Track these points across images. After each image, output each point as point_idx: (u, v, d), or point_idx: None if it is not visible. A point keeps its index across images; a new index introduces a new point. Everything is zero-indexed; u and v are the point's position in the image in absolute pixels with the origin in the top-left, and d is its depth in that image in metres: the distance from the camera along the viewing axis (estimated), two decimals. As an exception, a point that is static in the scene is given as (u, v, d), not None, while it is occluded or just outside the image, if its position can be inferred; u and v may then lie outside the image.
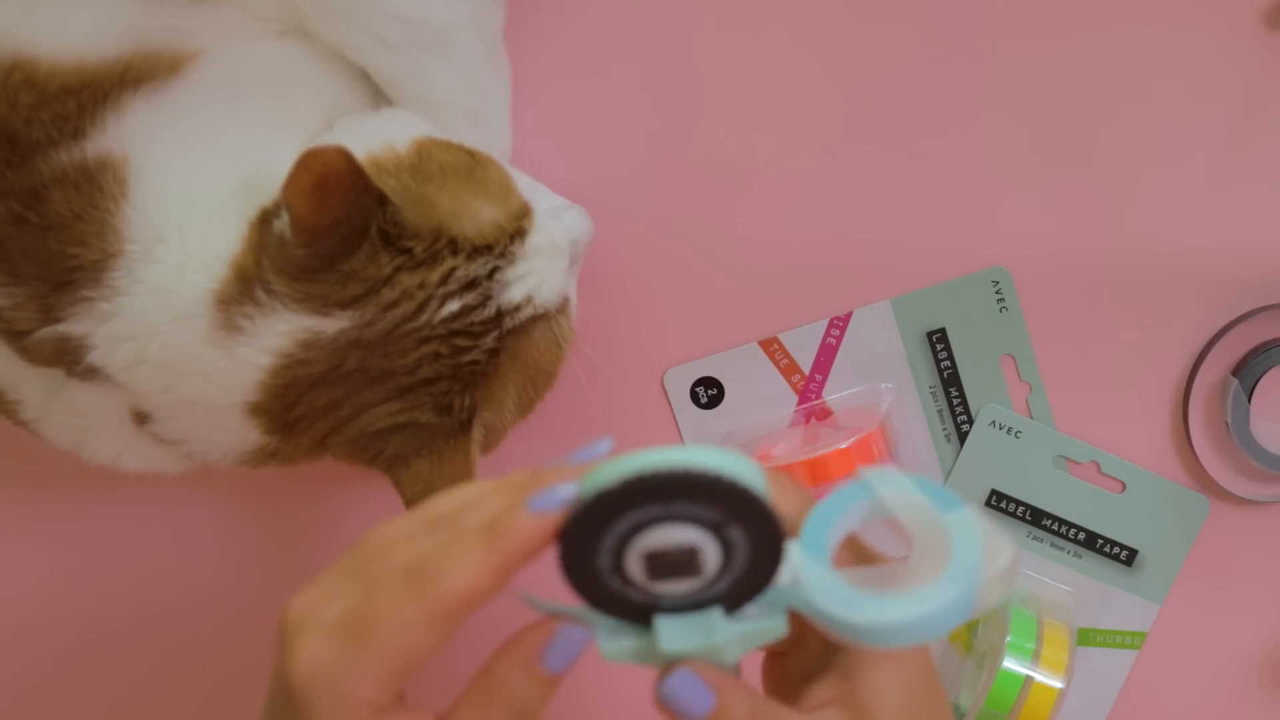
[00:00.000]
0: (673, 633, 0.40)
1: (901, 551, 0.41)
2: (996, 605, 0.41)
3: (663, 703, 0.40)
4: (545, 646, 0.40)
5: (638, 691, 0.42)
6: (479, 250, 0.52)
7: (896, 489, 0.41)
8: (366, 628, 0.38)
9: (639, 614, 0.40)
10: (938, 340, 0.65)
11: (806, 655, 0.43)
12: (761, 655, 0.46)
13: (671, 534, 0.38)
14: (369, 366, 0.51)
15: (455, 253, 0.51)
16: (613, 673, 0.43)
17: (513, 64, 0.61)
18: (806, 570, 0.39)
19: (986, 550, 0.39)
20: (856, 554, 0.42)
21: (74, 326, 0.51)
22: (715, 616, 0.40)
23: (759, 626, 0.40)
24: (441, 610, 0.38)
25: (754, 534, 0.38)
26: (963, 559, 0.39)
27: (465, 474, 0.53)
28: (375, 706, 0.38)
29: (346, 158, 0.48)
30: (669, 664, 0.40)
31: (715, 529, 0.38)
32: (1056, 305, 0.64)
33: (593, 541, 0.38)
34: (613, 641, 0.40)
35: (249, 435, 0.53)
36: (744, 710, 0.40)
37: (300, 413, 0.52)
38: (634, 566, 0.38)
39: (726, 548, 0.38)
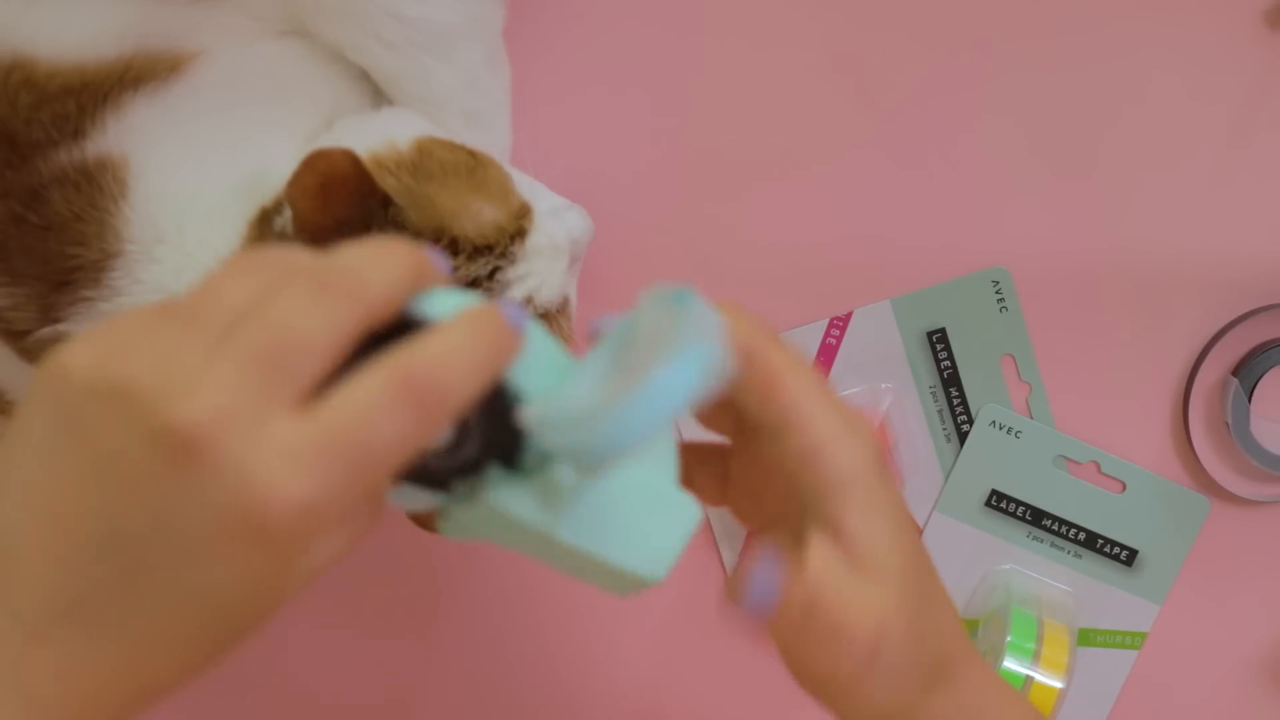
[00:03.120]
0: (503, 495, 0.39)
1: None
2: (719, 376, 0.38)
3: (749, 605, 0.41)
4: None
5: (635, 690, 0.42)
6: (480, 250, 0.52)
7: (647, 305, 0.40)
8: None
9: (439, 483, 0.39)
10: (938, 340, 0.65)
11: (776, 513, 0.44)
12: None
13: None
14: (369, 366, 0.51)
15: (456, 253, 0.51)
16: (613, 673, 0.43)
17: (514, 65, 0.61)
18: (544, 405, 0.38)
19: (700, 334, 0.37)
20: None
21: (74, 327, 0.51)
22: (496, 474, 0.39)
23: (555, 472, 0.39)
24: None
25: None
26: (680, 349, 0.36)
27: None
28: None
29: (352, 160, 0.48)
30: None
31: None
32: (1056, 305, 0.64)
33: None
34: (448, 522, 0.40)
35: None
36: (803, 588, 0.41)
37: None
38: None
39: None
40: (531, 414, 0.38)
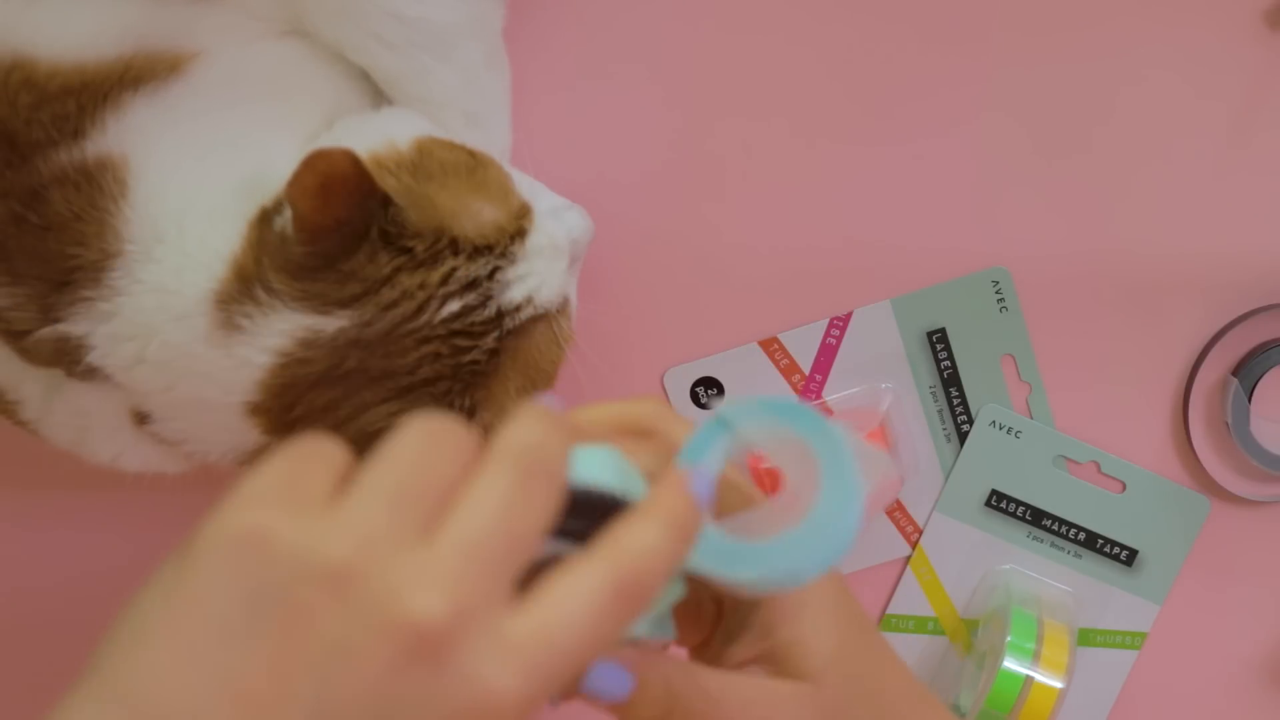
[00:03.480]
0: None
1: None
2: (876, 516, 0.40)
3: (588, 696, 0.40)
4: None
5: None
6: (480, 250, 0.52)
7: (756, 419, 0.40)
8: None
9: None
10: (938, 340, 0.65)
11: (728, 610, 0.43)
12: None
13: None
14: (369, 366, 0.51)
15: (456, 253, 0.51)
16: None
17: (514, 65, 0.61)
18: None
19: (858, 468, 0.38)
20: (734, 496, 0.42)
21: (74, 326, 0.51)
22: None
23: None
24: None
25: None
26: (835, 484, 0.38)
27: None
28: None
29: (353, 160, 0.48)
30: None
31: (578, 537, 0.36)
32: (1056, 305, 0.64)
33: None
34: None
35: (249, 435, 0.53)
36: (660, 682, 0.40)
37: (300, 412, 0.52)
38: None
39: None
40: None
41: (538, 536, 0.34)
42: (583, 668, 0.35)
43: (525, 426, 0.36)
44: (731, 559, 0.38)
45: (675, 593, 0.40)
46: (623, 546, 0.35)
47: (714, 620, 0.45)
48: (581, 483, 0.37)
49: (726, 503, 0.42)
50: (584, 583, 0.34)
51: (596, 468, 0.38)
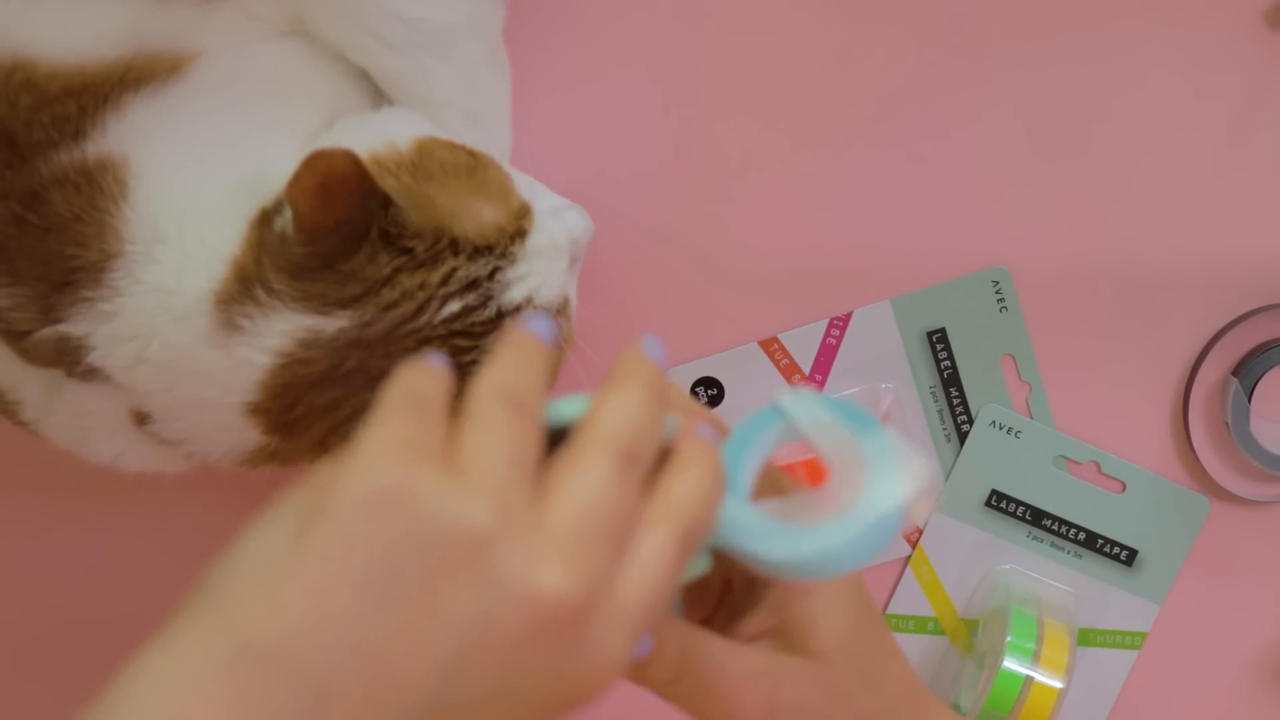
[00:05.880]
0: None
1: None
2: (917, 522, 0.41)
3: None
4: None
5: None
6: (480, 251, 0.52)
7: (810, 412, 0.40)
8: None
9: None
10: (938, 340, 0.65)
11: (737, 587, 0.44)
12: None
13: None
14: (369, 367, 0.51)
15: (456, 253, 0.51)
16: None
17: (514, 65, 0.61)
18: (723, 507, 0.39)
19: (903, 473, 0.39)
20: (774, 484, 0.42)
21: (74, 327, 0.51)
22: None
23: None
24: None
25: None
26: (879, 485, 0.38)
27: None
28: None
29: (353, 160, 0.48)
30: None
31: None
32: (1056, 305, 0.64)
33: None
34: None
35: (249, 435, 0.53)
36: (675, 645, 0.41)
37: (300, 413, 0.52)
38: None
39: None
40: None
41: (637, 511, 0.36)
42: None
43: (625, 406, 0.37)
44: (767, 538, 0.38)
45: (701, 566, 0.40)
46: (677, 497, 0.36)
47: (719, 597, 0.46)
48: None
49: (768, 488, 0.42)
50: (659, 537, 0.36)
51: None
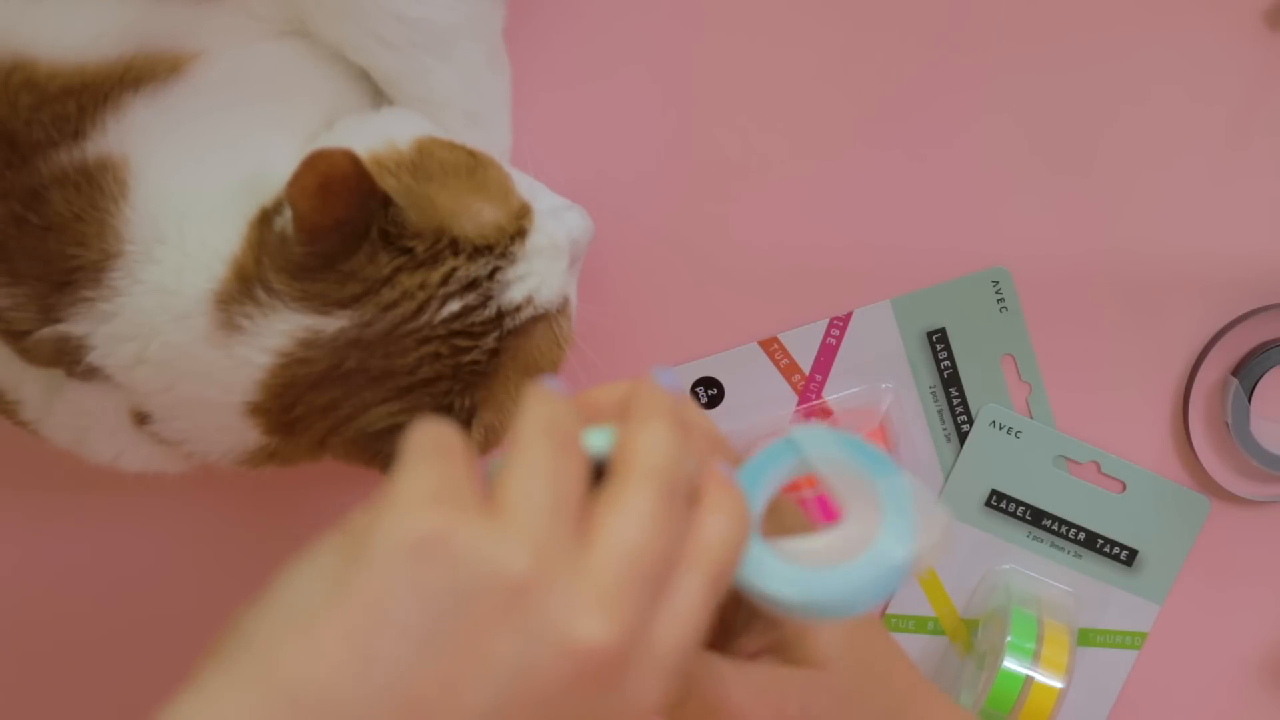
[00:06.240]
0: None
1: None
2: (927, 569, 0.41)
3: None
4: None
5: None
6: (480, 251, 0.52)
7: (825, 450, 0.40)
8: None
9: None
10: (938, 340, 0.65)
11: (727, 607, 0.43)
12: None
13: None
14: (369, 366, 0.51)
15: (456, 253, 0.51)
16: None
17: (514, 65, 0.61)
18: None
19: (919, 520, 0.39)
20: (780, 517, 0.42)
21: (74, 327, 0.51)
22: None
23: None
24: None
25: None
26: (893, 530, 0.38)
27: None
28: None
29: (353, 160, 0.48)
30: None
31: None
32: (1056, 305, 0.64)
33: None
34: None
35: (249, 435, 0.53)
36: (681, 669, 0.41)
37: (300, 413, 0.52)
38: None
39: None
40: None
41: (677, 552, 0.36)
42: None
43: (661, 442, 0.37)
44: (779, 579, 0.38)
45: None
46: (708, 540, 0.36)
47: (714, 617, 0.46)
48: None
49: (777, 524, 0.42)
50: (694, 583, 0.36)
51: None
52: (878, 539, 0.38)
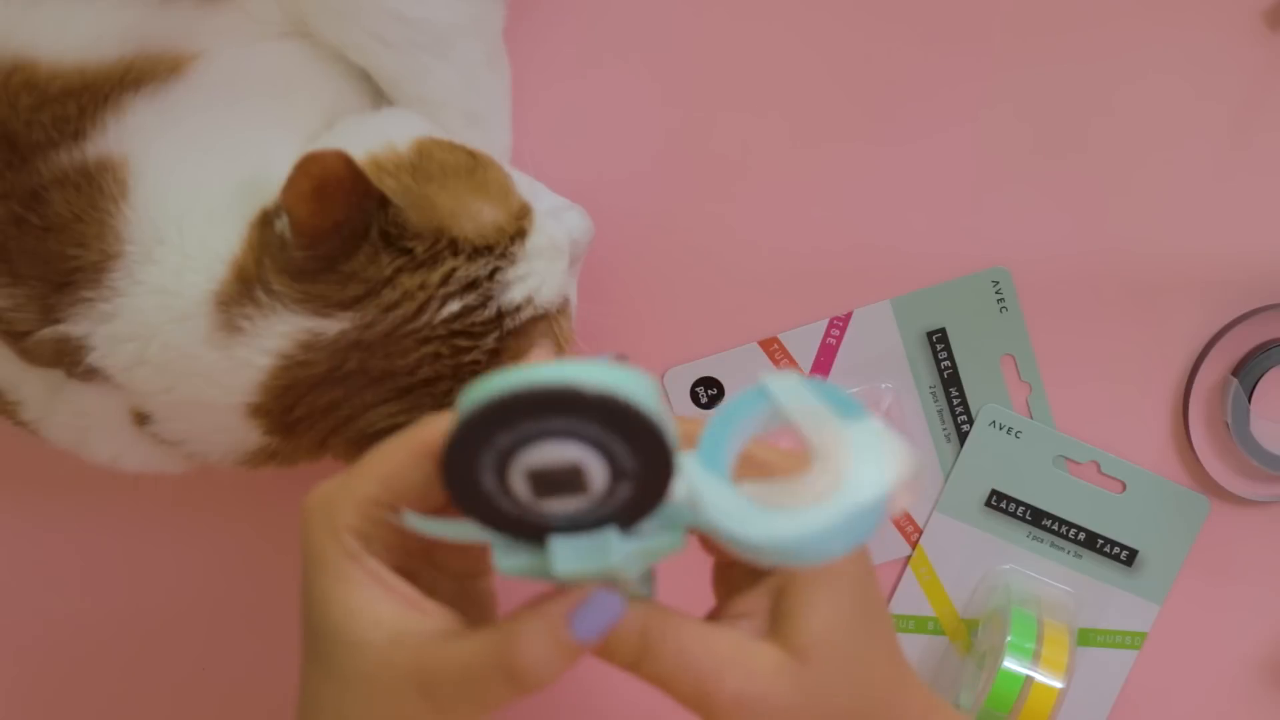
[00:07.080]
0: (566, 554, 0.39)
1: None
2: (897, 515, 0.40)
3: (581, 642, 0.40)
4: (574, 612, 0.40)
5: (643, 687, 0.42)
6: (480, 251, 0.52)
7: (795, 396, 0.40)
8: (358, 465, 0.42)
9: (534, 532, 0.39)
10: (938, 340, 0.65)
11: (746, 564, 0.43)
12: (710, 561, 0.46)
13: (552, 451, 0.37)
14: (369, 367, 0.51)
15: (456, 253, 0.51)
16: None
17: (513, 64, 0.61)
18: (702, 485, 0.38)
19: (887, 461, 0.38)
20: (756, 466, 0.42)
21: (74, 327, 0.51)
22: (610, 536, 0.39)
23: (654, 544, 0.39)
24: (419, 446, 0.41)
25: (641, 449, 0.37)
26: (862, 472, 0.38)
27: None
28: (355, 531, 0.41)
29: (346, 161, 0.48)
30: (567, 584, 0.40)
31: (598, 445, 0.37)
32: (1056, 305, 0.64)
33: (473, 460, 0.37)
34: (509, 558, 0.39)
35: (249, 436, 0.53)
36: (634, 630, 0.41)
37: (301, 414, 0.52)
38: (519, 485, 0.37)
39: (613, 464, 0.37)
40: (688, 490, 0.39)
41: None
42: None
43: None
44: (744, 520, 0.38)
45: (670, 543, 0.40)
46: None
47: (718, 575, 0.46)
48: (642, 406, 0.36)
49: (748, 472, 0.42)
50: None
51: (646, 393, 0.37)
52: (845, 481, 0.38)
